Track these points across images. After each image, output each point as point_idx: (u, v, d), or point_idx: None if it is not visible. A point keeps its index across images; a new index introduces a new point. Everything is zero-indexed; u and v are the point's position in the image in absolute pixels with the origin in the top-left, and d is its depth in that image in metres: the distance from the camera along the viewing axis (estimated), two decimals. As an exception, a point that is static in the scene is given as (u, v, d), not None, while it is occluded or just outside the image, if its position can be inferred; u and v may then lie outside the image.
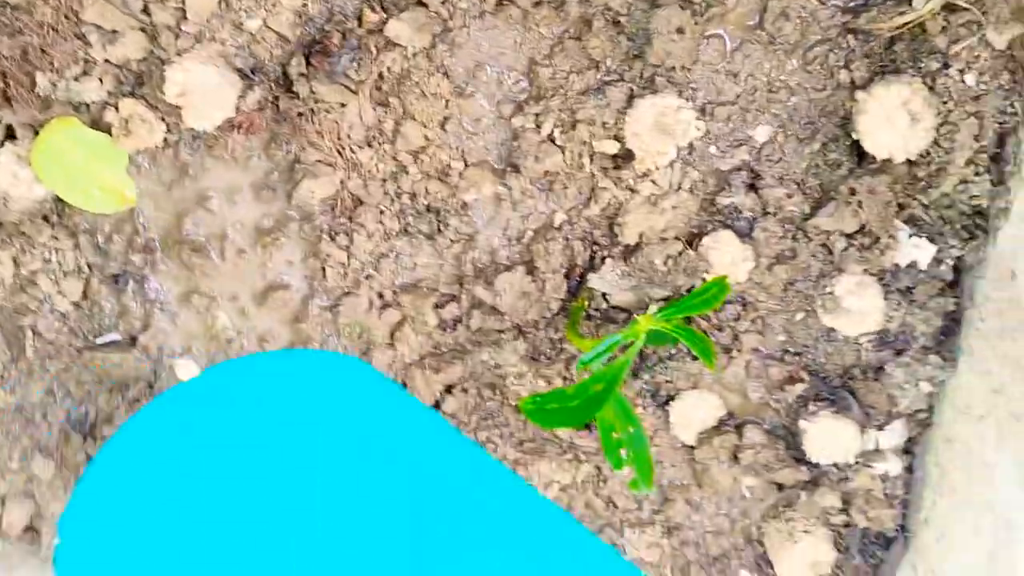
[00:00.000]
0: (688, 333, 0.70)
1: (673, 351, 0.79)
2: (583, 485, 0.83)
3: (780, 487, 0.80)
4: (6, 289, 0.83)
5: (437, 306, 0.80)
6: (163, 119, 0.77)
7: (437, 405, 0.81)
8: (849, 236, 0.72)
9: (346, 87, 0.75)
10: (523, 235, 0.78)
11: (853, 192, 0.70)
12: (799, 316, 0.76)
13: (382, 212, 0.78)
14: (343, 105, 0.76)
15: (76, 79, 0.76)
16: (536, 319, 0.79)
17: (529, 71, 0.76)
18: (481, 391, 0.81)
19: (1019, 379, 0.63)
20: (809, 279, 0.75)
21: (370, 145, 0.77)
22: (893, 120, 0.67)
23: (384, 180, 0.78)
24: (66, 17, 0.75)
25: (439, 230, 0.79)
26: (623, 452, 0.73)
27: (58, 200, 0.80)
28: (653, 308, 0.73)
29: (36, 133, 0.77)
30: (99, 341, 0.84)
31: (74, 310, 0.83)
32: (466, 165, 0.77)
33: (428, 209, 0.78)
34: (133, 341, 0.83)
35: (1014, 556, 0.61)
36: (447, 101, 0.76)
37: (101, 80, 0.76)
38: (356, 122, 0.76)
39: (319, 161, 0.78)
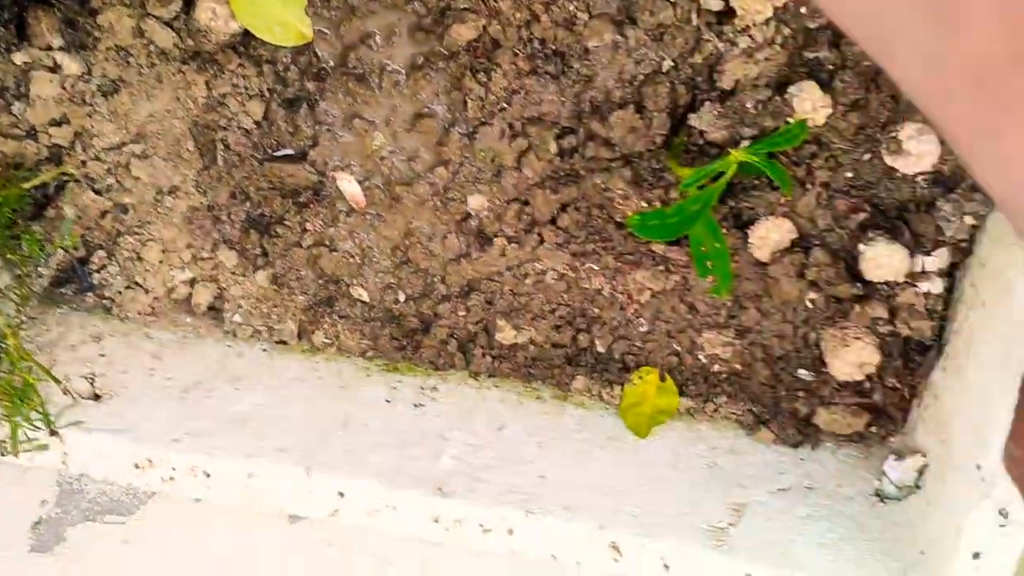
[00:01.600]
0: (771, 165, 0.85)
1: (756, 182, 0.93)
2: (671, 292, 0.99)
3: (837, 300, 0.95)
4: (200, 107, 1.00)
5: (558, 137, 0.95)
6: (337, -32, 0.91)
7: (553, 220, 0.98)
8: (914, 89, 0.85)
9: (492, -55, 0.89)
10: (635, 78, 0.92)
11: (921, 51, 0.83)
12: (866, 156, 0.90)
13: (516, 54, 0.92)
14: (489, -40, 0.89)
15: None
16: (642, 150, 0.93)
17: (649, -65, 0.88)
18: (591, 210, 0.97)
19: (1042, 212, 0.77)
20: (877, 125, 0.88)
21: (509, -4, 0.91)
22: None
23: (519, 27, 0.91)
24: None
25: (563, 71, 0.93)
26: (708, 263, 0.89)
27: (246, 34, 0.96)
28: (744, 144, 0.88)
29: (232, -24, 0.93)
30: (276, 154, 1.01)
31: (256, 128, 1.00)
32: (590, 16, 0.90)
33: (555, 53, 0.92)
34: (303, 155, 1.00)
35: (1020, 353, 0.76)
36: (577, -41, 0.89)
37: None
38: (499, -25, 0.90)
39: (465, 9, 0.92)
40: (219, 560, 0.99)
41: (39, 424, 0.91)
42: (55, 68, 0.99)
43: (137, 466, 0.95)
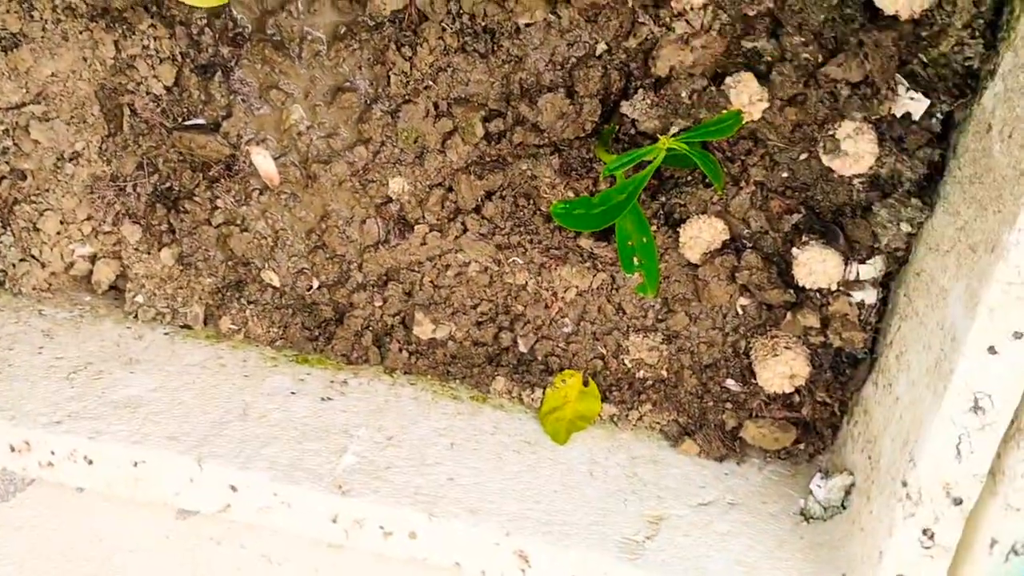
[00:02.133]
0: (702, 155, 0.80)
1: (689, 177, 0.89)
2: (598, 291, 0.94)
3: (769, 307, 0.91)
4: (107, 69, 0.94)
5: (485, 119, 0.90)
6: (258, -74, 0.86)
7: (477, 209, 0.93)
8: (854, 85, 0.81)
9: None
10: (567, 61, 0.87)
11: (862, 44, 0.79)
12: (802, 156, 0.86)
13: (444, 29, 0.87)
14: (418, -73, 0.84)
15: None
16: (571, 138, 0.89)
17: (587, -89, 0.84)
18: (517, 199, 0.92)
19: (979, 217, 0.73)
20: (815, 123, 0.84)
21: (439, -33, 0.86)
22: (903, -20, 0.75)
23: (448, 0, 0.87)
24: None
25: (493, 50, 0.88)
26: (635, 259, 0.85)
27: (159, -7, 0.90)
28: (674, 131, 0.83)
29: (145, -71, 0.87)
30: (187, 124, 0.95)
31: (166, 94, 0.94)
32: (523, -7, 0.86)
33: (485, 30, 0.87)
34: (216, 127, 0.94)
35: (952, 363, 0.72)
36: (511, -68, 0.84)
37: None
38: (429, -56, 0.85)
39: (392, -22, 0.87)
40: (99, 554, 0.92)
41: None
42: (-47, 19, 0.92)
43: (13, 448, 0.88)
